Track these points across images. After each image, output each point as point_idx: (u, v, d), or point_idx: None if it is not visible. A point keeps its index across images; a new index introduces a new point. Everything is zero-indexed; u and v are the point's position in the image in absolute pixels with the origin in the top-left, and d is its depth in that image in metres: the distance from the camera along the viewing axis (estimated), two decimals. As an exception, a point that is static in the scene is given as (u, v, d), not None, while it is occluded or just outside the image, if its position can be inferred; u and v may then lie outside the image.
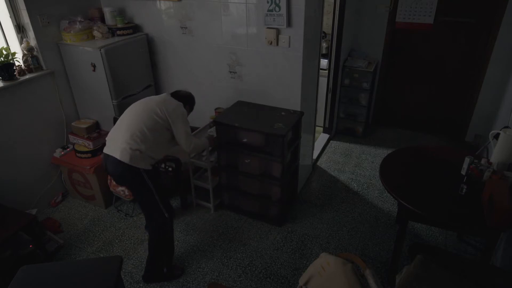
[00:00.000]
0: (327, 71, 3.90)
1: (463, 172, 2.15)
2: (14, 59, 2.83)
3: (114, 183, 2.96)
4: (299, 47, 2.65)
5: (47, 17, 2.94)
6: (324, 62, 3.83)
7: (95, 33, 3.08)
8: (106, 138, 2.31)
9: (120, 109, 3.12)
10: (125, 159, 2.13)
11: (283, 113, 2.81)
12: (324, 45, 3.92)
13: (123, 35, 3.15)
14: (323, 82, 3.83)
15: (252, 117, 2.79)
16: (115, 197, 3.19)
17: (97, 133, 3.24)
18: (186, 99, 2.50)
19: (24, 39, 2.92)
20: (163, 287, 2.47)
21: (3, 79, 2.76)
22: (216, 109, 3.17)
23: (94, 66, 2.95)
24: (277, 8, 2.56)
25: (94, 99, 3.17)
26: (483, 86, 3.73)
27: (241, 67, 2.99)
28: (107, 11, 3.19)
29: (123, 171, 2.18)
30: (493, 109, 3.66)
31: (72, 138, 3.23)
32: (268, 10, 2.60)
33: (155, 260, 2.45)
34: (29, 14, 2.81)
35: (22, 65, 2.92)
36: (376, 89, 4.32)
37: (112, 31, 3.16)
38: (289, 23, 2.59)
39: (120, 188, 2.97)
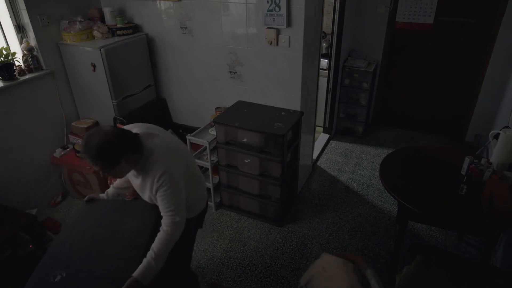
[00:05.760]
0: (327, 71, 3.90)
1: (463, 172, 2.16)
2: (14, 59, 2.83)
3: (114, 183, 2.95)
4: (299, 47, 2.65)
5: (47, 17, 2.93)
6: (324, 62, 3.83)
7: (95, 33, 3.08)
8: None
9: (120, 109, 3.12)
10: None
11: (283, 113, 2.81)
12: (324, 45, 3.92)
13: (123, 35, 3.15)
14: (323, 82, 3.82)
15: (252, 117, 2.79)
16: (115, 197, 3.18)
17: (97, 133, 3.23)
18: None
19: (24, 39, 2.92)
20: None
21: (3, 79, 2.76)
22: (216, 108, 3.17)
23: (94, 66, 2.95)
24: (277, 8, 2.56)
25: (94, 99, 3.16)
26: (483, 86, 3.73)
27: (241, 67, 2.99)
28: (107, 11, 3.19)
29: None
30: (493, 109, 3.66)
31: (72, 138, 3.23)
32: (268, 10, 2.60)
33: None
34: (29, 14, 2.81)
35: (22, 65, 2.92)
36: (376, 89, 4.32)
37: (112, 31, 3.15)
38: (289, 23, 2.59)
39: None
